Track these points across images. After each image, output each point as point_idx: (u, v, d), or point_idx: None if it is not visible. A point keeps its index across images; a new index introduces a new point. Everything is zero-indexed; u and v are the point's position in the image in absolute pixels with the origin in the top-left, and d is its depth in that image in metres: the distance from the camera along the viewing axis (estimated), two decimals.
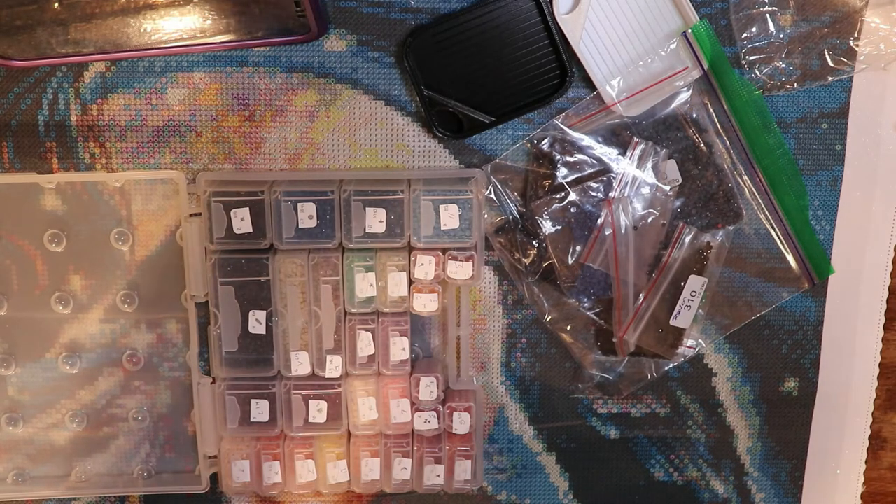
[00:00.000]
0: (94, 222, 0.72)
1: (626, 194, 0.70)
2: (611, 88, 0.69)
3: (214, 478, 0.75)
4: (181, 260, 0.72)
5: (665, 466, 0.78)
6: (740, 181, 0.71)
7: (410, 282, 0.70)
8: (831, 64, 0.69)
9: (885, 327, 0.75)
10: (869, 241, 0.74)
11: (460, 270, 0.69)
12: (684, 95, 0.70)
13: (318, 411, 0.72)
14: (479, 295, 0.74)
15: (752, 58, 0.69)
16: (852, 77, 0.71)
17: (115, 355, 0.74)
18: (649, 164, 0.70)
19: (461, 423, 0.72)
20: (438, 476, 0.73)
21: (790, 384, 0.76)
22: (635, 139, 0.70)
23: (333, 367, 0.71)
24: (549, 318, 0.73)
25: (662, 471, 0.78)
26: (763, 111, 0.70)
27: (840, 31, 0.69)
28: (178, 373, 0.74)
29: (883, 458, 0.78)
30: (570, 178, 0.70)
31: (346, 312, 0.71)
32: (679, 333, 0.73)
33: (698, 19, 0.68)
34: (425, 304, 0.70)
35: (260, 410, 0.72)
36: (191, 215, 0.71)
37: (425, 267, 0.69)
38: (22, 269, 0.72)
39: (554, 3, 0.67)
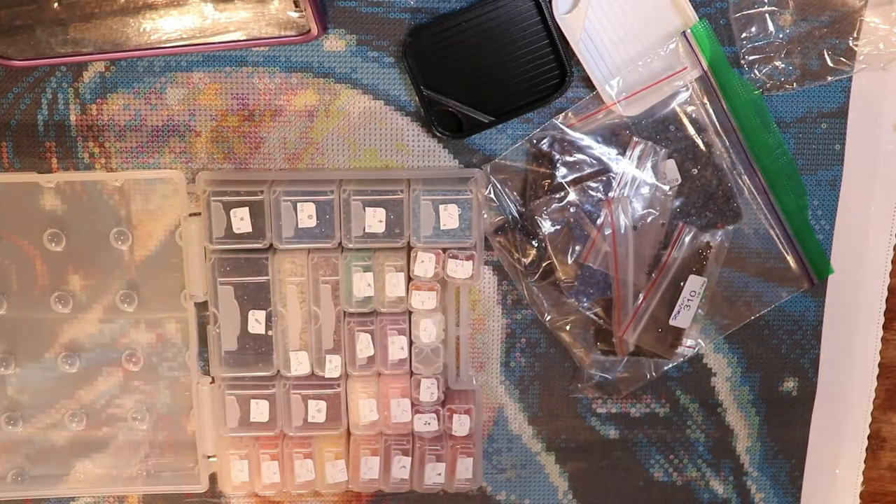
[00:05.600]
0: (94, 222, 0.72)
1: (625, 194, 0.70)
2: (610, 88, 0.69)
3: (214, 478, 0.75)
4: (180, 260, 0.72)
5: (664, 466, 0.78)
6: (739, 181, 0.71)
7: (409, 280, 0.70)
8: (830, 64, 0.69)
9: (885, 327, 0.75)
10: (868, 241, 0.74)
11: (460, 269, 0.69)
12: (684, 95, 0.70)
13: (317, 411, 0.72)
14: (478, 295, 0.74)
15: (751, 58, 0.69)
16: (851, 77, 0.71)
17: (115, 355, 0.74)
18: (649, 164, 0.70)
19: (461, 425, 0.72)
20: (439, 475, 0.73)
21: (789, 384, 0.76)
22: (635, 139, 0.70)
23: (333, 366, 0.71)
24: (549, 317, 0.73)
25: (662, 471, 0.78)
26: (762, 111, 0.70)
27: (839, 31, 0.69)
28: (178, 373, 0.74)
29: (882, 458, 0.78)
30: (569, 178, 0.70)
31: (344, 312, 0.71)
32: (678, 333, 0.73)
33: (698, 19, 0.68)
34: (423, 301, 0.70)
35: (260, 410, 0.72)
36: (190, 215, 0.71)
37: (425, 264, 0.69)
38: (21, 268, 0.72)
39: (553, 3, 0.67)
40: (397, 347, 0.71)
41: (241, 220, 0.68)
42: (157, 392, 0.75)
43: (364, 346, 0.71)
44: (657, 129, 0.70)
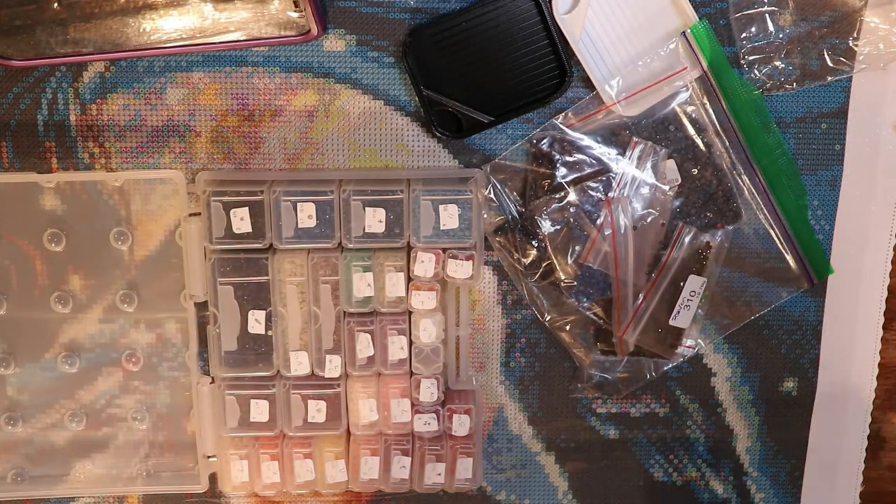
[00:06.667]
0: (94, 222, 0.72)
1: (625, 194, 0.70)
2: (610, 88, 0.69)
3: (213, 478, 0.75)
4: (181, 260, 0.72)
5: (664, 466, 0.78)
6: (739, 181, 0.71)
7: (409, 280, 0.70)
8: (830, 64, 0.69)
9: (885, 327, 0.75)
10: (868, 241, 0.74)
11: (460, 269, 0.69)
12: (683, 95, 0.70)
13: (317, 411, 0.72)
14: (478, 295, 0.74)
15: (751, 58, 0.69)
16: (851, 77, 0.71)
17: (115, 355, 0.74)
18: (648, 164, 0.70)
19: (461, 425, 0.72)
20: (439, 475, 0.73)
21: (789, 384, 0.76)
22: (634, 139, 0.70)
23: (333, 366, 0.71)
24: (549, 317, 0.73)
25: (662, 471, 0.78)
26: (762, 111, 0.70)
27: (839, 31, 0.69)
28: (178, 373, 0.74)
29: (882, 458, 0.78)
30: (569, 178, 0.70)
31: (344, 312, 0.71)
32: (678, 333, 0.73)
33: (697, 19, 0.68)
34: (423, 301, 0.70)
35: (260, 411, 0.72)
36: (190, 215, 0.71)
37: (425, 264, 0.69)
38: (21, 268, 0.72)
39: (553, 3, 0.67)
40: (397, 347, 0.71)
41: (241, 220, 0.68)
42: (157, 392, 0.75)
43: (364, 346, 0.71)
44: (657, 130, 0.70)
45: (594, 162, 0.70)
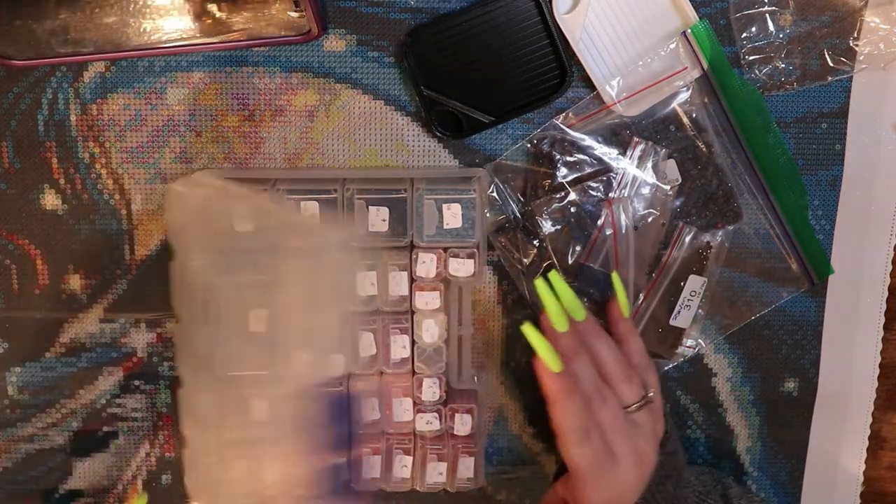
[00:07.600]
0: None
1: (626, 194, 0.70)
2: (610, 88, 0.69)
3: (213, 476, 0.75)
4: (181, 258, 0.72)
5: None
6: (740, 181, 0.71)
7: (412, 280, 0.70)
8: (831, 64, 0.70)
9: (885, 327, 0.75)
10: (868, 241, 0.74)
11: (462, 268, 0.69)
12: (684, 95, 0.70)
13: None
14: (479, 295, 0.74)
15: (751, 57, 0.69)
16: (852, 77, 0.71)
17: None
18: (649, 164, 0.70)
19: (463, 424, 0.72)
20: (441, 474, 0.73)
21: (790, 384, 0.76)
22: (635, 139, 0.70)
23: (335, 365, 0.71)
24: None
25: None
26: (762, 111, 0.70)
27: (840, 31, 0.69)
28: (178, 373, 0.74)
29: (882, 458, 0.79)
30: (570, 178, 0.70)
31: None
32: (679, 333, 0.73)
33: (698, 19, 0.68)
34: (427, 301, 0.70)
35: (261, 409, 0.71)
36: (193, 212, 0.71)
37: (427, 265, 0.69)
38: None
39: (553, 2, 0.67)
40: (399, 347, 0.71)
41: None
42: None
43: (367, 344, 0.71)
44: (657, 129, 0.70)
45: (595, 162, 0.70)
